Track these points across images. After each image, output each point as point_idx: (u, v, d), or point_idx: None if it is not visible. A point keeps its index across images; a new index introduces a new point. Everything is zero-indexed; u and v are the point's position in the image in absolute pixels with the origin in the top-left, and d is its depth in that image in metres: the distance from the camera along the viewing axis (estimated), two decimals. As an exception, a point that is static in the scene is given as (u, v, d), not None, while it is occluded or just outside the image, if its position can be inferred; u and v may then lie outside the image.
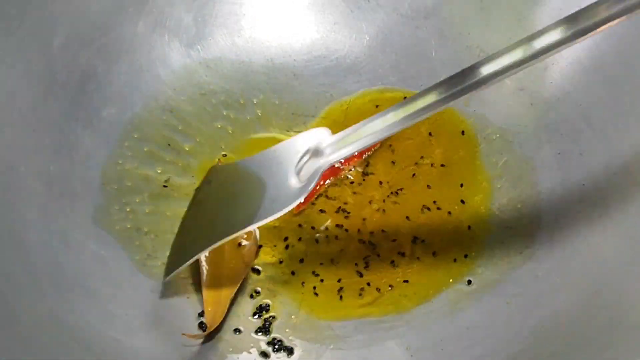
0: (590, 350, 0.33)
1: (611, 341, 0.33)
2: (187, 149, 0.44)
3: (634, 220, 0.38)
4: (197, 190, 0.42)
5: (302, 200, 0.36)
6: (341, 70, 0.48)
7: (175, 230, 0.40)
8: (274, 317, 0.38)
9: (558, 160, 0.43)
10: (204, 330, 0.37)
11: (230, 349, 0.37)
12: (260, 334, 0.38)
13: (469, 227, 0.42)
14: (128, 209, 0.41)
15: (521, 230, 0.41)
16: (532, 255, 0.40)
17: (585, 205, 0.40)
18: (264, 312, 0.38)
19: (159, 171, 0.43)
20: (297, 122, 0.46)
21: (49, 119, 0.41)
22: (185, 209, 0.41)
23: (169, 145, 0.44)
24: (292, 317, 0.38)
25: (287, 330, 0.38)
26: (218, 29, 0.48)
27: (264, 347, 0.37)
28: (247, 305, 0.39)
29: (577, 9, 0.30)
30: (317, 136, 0.36)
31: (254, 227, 0.37)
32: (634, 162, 0.40)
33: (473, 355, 0.36)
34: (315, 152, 0.36)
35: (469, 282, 0.40)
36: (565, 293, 0.37)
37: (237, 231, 0.36)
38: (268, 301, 0.39)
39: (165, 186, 0.43)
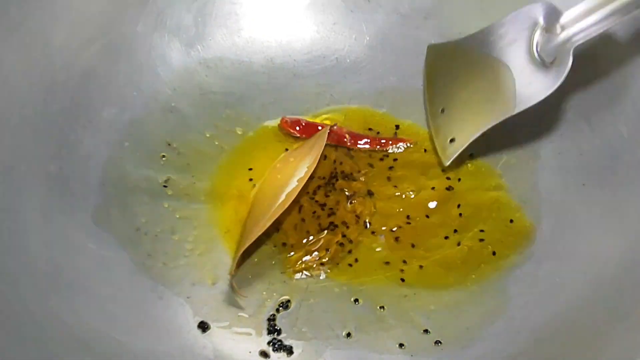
0: (590, 350, 0.33)
1: (611, 341, 0.33)
2: (187, 149, 0.44)
3: (634, 220, 0.38)
4: (427, 75, 0.42)
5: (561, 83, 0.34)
6: (341, 70, 0.48)
7: (176, 230, 0.40)
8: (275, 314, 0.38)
9: (558, 160, 0.43)
10: (203, 330, 0.37)
11: (231, 348, 0.37)
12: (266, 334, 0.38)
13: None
14: (128, 209, 0.41)
15: (521, 230, 0.41)
16: (532, 255, 0.40)
17: (585, 205, 0.40)
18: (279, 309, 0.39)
19: (159, 171, 0.43)
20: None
21: (49, 119, 0.41)
22: (185, 209, 0.41)
23: (169, 145, 0.44)
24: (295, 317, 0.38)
25: (287, 330, 0.38)
26: (218, 29, 0.48)
27: (264, 346, 0.37)
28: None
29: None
30: (542, 10, 0.35)
31: (518, 111, 0.36)
32: (634, 162, 0.40)
33: (473, 355, 0.36)
34: (548, 28, 0.34)
35: (469, 282, 0.39)
36: (565, 293, 0.37)
37: (502, 118, 0.37)
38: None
39: (165, 186, 0.43)
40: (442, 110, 0.40)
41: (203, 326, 0.37)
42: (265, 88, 0.47)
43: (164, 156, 0.44)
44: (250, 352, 0.37)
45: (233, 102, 0.46)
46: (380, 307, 0.39)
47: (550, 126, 0.44)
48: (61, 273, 0.37)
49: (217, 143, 0.45)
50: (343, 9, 0.48)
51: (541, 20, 0.35)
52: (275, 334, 0.38)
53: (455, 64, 0.41)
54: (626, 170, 0.40)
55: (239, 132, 0.45)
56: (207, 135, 0.45)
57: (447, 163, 0.39)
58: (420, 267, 0.40)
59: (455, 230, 0.41)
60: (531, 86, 0.35)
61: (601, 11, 0.32)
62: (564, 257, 0.39)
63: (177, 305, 0.38)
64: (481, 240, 0.41)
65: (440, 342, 0.37)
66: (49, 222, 0.38)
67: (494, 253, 0.40)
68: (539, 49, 0.35)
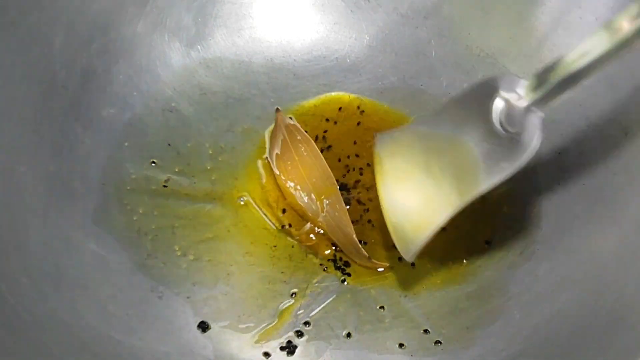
0: (590, 350, 0.33)
1: (611, 341, 0.33)
2: (187, 149, 0.44)
3: (634, 221, 0.38)
4: (379, 166, 0.38)
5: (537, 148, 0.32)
6: (341, 70, 0.48)
7: (176, 230, 0.40)
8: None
9: (558, 160, 0.43)
10: (203, 330, 0.37)
11: (231, 348, 0.37)
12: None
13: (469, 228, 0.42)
14: (128, 209, 0.41)
15: (521, 230, 0.41)
16: (532, 255, 0.40)
17: (585, 205, 0.40)
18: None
19: (158, 171, 0.43)
20: (297, 122, 0.46)
21: (49, 119, 0.41)
22: (185, 209, 0.41)
23: (169, 145, 0.44)
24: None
25: (287, 330, 0.38)
26: (218, 29, 0.48)
27: (265, 346, 0.37)
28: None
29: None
30: (503, 81, 0.32)
31: (486, 189, 0.33)
32: (634, 162, 0.40)
33: (473, 355, 0.36)
34: (510, 98, 0.32)
35: (469, 282, 0.40)
36: (565, 293, 0.37)
37: (470, 197, 0.33)
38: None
39: (165, 186, 0.43)
40: (399, 201, 0.37)
41: (203, 326, 0.37)
42: (265, 88, 0.47)
43: (163, 156, 0.44)
44: (250, 352, 0.37)
45: (233, 102, 0.46)
46: (380, 307, 0.39)
47: (551, 126, 0.44)
48: (61, 273, 0.37)
49: (217, 143, 0.45)
50: (343, 9, 0.48)
51: (501, 91, 0.32)
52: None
53: (409, 150, 0.37)
54: (626, 170, 0.40)
55: (239, 132, 0.45)
56: (207, 135, 0.45)
57: (411, 259, 0.35)
58: (414, 265, 0.40)
59: (456, 228, 0.41)
60: (498, 162, 0.33)
61: (559, 76, 0.30)
62: (564, 256, 0.39)
63: (177, 305, 0.38)
64: (485, 242, 0.41)
65: (440, 342, 0.37)
66: (49, 222, 0.38)
67: (493, 253, 0.40)
68: (502, 121, 0.32)
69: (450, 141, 0.35)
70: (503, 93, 0.32)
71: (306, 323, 0.38)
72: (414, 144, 0.37)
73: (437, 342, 0.37)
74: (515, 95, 0.32)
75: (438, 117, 0.36)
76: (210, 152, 0.44)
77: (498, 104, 0.32)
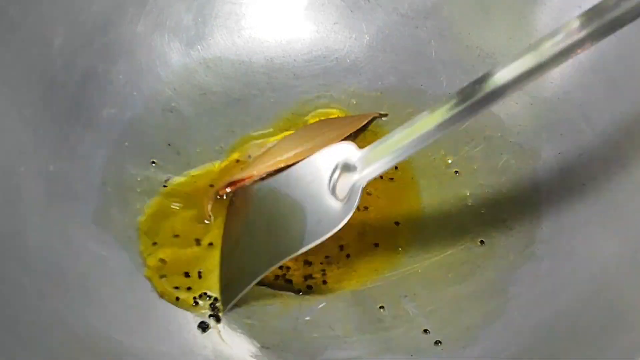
0: (590, 350, 0.33)
1: (611, 341, 0.33)
2: (187, 149, 0.44)
3: (634, 220, 0.38)
4: (227, 216, 0.41)
5: (348, 219, 0.35)
6: (341, 70, 0.48)
7: (175, 230, 0.40)
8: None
9: (558, 160, 0.43)
10: (203, 330, 0.37)
11: (231, 348, 0.37)
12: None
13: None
14: (128, 209, 0.41)
15: (521, 230, 0.41)
16: (532, 255, 0.40)
17: (585, 205, 0.40)
18: None
19: (158, 171, 0.43)
20: (297, 122, 0.46)
21: (49, 119, 0.41)
22: (185, 209, 0.41)
23: (169, 145, 0.44)
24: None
25: (288, 330, 0.38)
26: (218, 29, 0.48)
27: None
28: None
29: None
30: (343, 151, 0.36)
31: (304, 250, 0.36)
32: (634, 162, 0.40)
33: (473, 355, 0.36)
34: (346, 167, 0.36)
35: (469, 282, 0.39)
36: (565, 293, 0.37)
37: (287, 256, 0.36)
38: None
39: (165, 186, 0.43)
40: (229, 256, 0.39)
41: (203, 326, 0.37)
42: (265, 88, 0.47)
43: (163, 156, 0.44)
44: (251, 352, 0.37)
45: (233, 102, 0.46)
46: (380, 307, 0.39)
47: (550, 126, 0.44)
48: (61, 273, 0.37)
49: (217, 143, 0.45)
50: (343, 9, 0.49)
51: (341, 160, 0.36)
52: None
53: (252, 205, 0.40)
54: (626, 170, 0.40)
55: (239, 132, 0.45)
56: (207, 135, 0.45)
57: (225, 310, 0.37)
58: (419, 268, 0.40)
59: (456, 228, 0.41)
60: (322, 223, 0.35)
61: (390, 153, 0.34)
62: (563, 256, 0.39)
63: (177, 306, 0.38)
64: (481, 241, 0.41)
65: (440, 342, 0.37)
66: (49, 222, 0.38)
67: (493, 253, 0.40)
68: (335, 187, 0.36)
69: (286, 203, 0.38)
70: (342, 163, 0.36)
71: (306, 323, 0.38)
72: (258, 201, 0.40)
73: (437, 342, 0.37)
74: (351, 167, 0.35)
75: (287, 178, 0.39)
76: (210, 152, 0.44)
77: (336, 173, 0.36)
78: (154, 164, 0.43)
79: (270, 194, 0.39)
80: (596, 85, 0.42)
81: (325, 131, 0.44)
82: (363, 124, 0.45)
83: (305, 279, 0.39)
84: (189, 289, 0.38)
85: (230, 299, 0.37)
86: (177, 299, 0.38)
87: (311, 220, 0.36)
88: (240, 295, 0.37)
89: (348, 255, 0.41)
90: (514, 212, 0.42)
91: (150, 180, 0.43)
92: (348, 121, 0.45)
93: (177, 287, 0.38)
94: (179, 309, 0.38)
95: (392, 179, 0.43)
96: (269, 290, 0.39)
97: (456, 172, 0.44)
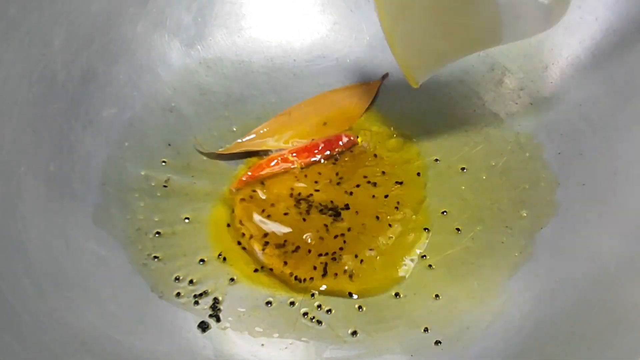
0: (590, 350, 0.33)
1: (611, 341, 0.33)
2: (187, 149, 0.44)
3: (634, 220, 0.38)
4: None
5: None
6: (341, 70, 0.48)
7: (175, 230, 0.40)
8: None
9: (558, 160, 0.43)
10: (203, 330, 0.37)
11: (231, 348, 0.37)
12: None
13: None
14: (128, 209, 0.41)
15: (521, 230, 0.41)
16: (532, 255, 0.40)
17: (585, 205, 0.40)
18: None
19: (159, 171, 0.43)
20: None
21: (49, 119, 0.41)
22: (185, 209, 0.41)
23: (169, 145, 0.44)
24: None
25: (288, 330, 0.38)
26: (218, 29, 0.48)
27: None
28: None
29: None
30: None
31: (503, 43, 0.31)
32: (634, 162, 0.40)
33: (473, 355, 0.36)
34: None
35: (469, 282, 0.39)
36: (565, 293, 0.37)
37: (483, 48, 0.33)
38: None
39: (165, 186, 0.43)
40: (401, 21, 0.33)
41: (203, 326, 0.37)
42: (265, 88, 0.47)
43: (164, 156, 0.44)
44: (251, 352, 0.37)
45: (233, 102, 0.46)
46: (380, 307, 0.39)
47: (550, 126, 0.44)
48: (61, 273, 0.37)
49: (217, 143, 0.45)
50: (343, 9, 0.49)
51: None
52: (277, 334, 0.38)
53: None
54: (626, 170, 0.40)
55: (239, 132, 0.45)
56: (207, 135, 0.45)
57: (418, 84, 0.33)
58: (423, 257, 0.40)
59: (456, 228, 0.41)
60: (517, 20, 0.30)
61: None
62: (563, 256, 0.39)
63: (177, 305, 0.38)
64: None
65: (440, 342, 0.37)
66: (49, 222, 0.38)
67: (493, 253, 0.40)
68: None
69: None
70: None
71: (307, 323, 0.38)
72: None
73: (437, 342, 0.37)
74: None
75: None
76: (210, 152, 0.44)
77: None
78: (154, 164, 0.43)
79: None
80: (596, 85, 0.42)
81: (337, 99, 0.45)
82: (376, 90, 0.46)
83: (304, 280, 0.40)
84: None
85: (425, 74, 0.35)
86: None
87: (505, 12, 0.30)
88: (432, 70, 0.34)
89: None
90: (513, 212, 0.42)
91: (150, 180, 0.43)
92: (356, 90, 0.46)
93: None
94: (179, 309, 0.38)
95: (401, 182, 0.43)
96: (270, 290, 0.39)
97: (457, 171, 0.44)
